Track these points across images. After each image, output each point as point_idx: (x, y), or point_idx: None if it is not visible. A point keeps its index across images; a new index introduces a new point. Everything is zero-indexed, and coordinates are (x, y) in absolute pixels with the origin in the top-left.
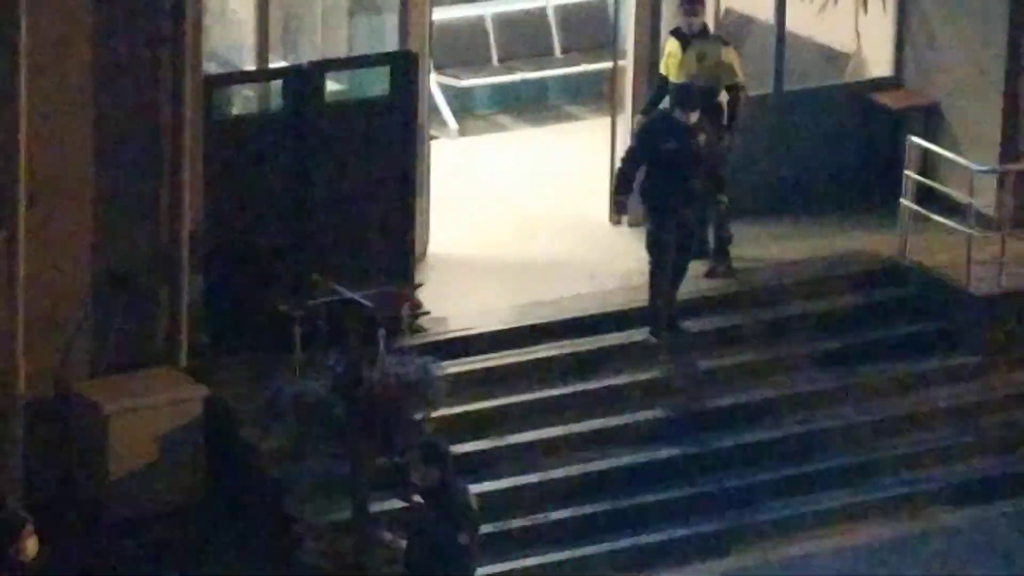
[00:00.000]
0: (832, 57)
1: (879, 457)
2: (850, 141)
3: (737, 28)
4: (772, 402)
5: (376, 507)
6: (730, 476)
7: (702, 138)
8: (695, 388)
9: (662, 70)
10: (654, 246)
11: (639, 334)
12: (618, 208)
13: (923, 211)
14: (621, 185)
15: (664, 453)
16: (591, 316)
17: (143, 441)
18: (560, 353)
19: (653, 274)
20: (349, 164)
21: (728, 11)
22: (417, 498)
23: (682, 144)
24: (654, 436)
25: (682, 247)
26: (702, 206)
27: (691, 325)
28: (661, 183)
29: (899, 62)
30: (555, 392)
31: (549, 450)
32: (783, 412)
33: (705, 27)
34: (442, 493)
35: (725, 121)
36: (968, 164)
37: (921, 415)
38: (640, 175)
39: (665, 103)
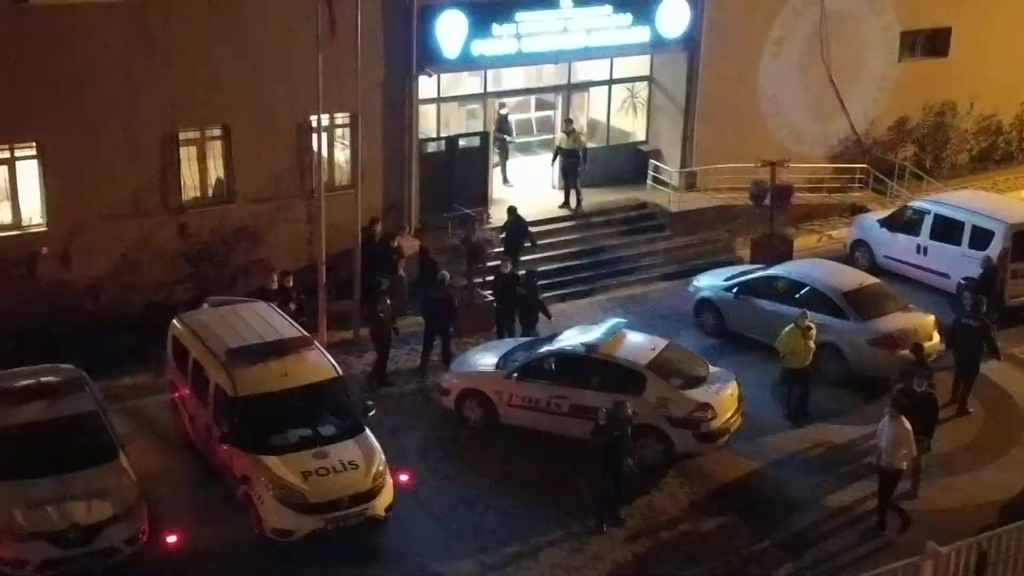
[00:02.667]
0: (617, 134)
1: (639, 265)
2: (630, 163)
3: (592, 125)
4: (589, 250)
5: (476, 279)
6: (597, 274)
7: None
8: (579, 245)
9: (558, 143)
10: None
11: (566, 218)
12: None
13: (656, 186)
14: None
15: (573, 263)
16: (556, 217)
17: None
18: (542, 229)
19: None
20: (466, 167)
21: (591, 119)
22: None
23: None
24: (565, 258)
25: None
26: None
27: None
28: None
29: (648, 134)
30: (543, 241)
31: (547, 259)
32: (600, 254)
33: (574, 130)
34: (506, 277)
35: (581, 160)
36: (670, 169)
37: (653, 251)
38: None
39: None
